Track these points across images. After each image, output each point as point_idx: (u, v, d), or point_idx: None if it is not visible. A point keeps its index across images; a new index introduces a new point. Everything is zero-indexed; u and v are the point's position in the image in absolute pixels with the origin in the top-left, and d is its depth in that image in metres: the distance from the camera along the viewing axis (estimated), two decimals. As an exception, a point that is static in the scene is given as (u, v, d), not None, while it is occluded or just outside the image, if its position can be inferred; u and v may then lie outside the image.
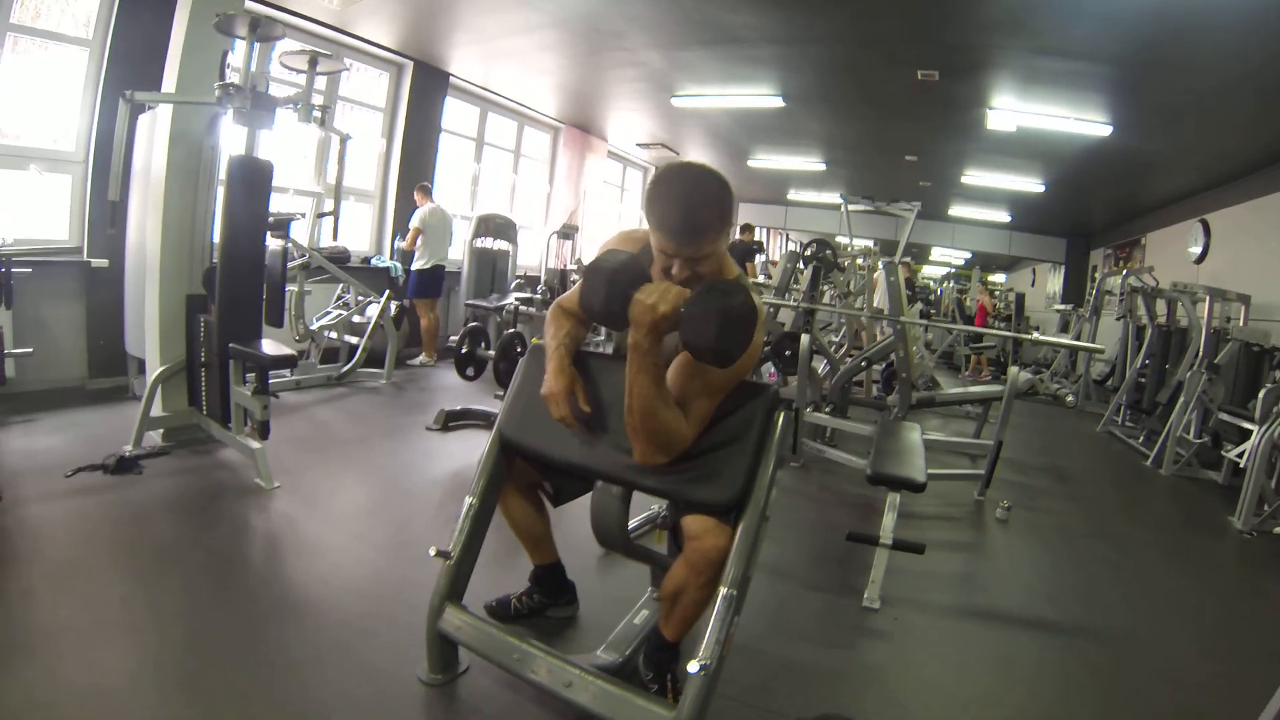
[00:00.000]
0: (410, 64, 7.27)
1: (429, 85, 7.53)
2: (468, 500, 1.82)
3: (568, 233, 9.60)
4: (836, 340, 7.12)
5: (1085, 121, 6.63)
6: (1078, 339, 10.83)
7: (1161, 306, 7.81)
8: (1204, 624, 3.20)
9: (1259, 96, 5.43)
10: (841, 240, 8.80)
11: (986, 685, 2.40)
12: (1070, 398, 9.31)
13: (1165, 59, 4.99)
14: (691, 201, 1.56)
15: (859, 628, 2.65)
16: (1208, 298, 6.43)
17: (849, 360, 5.67)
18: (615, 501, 1.79)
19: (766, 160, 10.88)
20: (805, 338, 4.45)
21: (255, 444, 3.36)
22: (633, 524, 2.20)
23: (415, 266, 6.60)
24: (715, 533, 1.65)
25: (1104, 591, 3.41)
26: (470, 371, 4.18)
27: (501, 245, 7.57)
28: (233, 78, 3.51)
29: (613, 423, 1.72)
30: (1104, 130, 6.72)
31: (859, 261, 7.77)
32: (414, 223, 6.57)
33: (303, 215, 5.58)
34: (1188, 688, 2.56)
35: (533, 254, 9.54)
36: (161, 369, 3.67)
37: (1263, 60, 4.72)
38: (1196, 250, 8.82)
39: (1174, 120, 6.37)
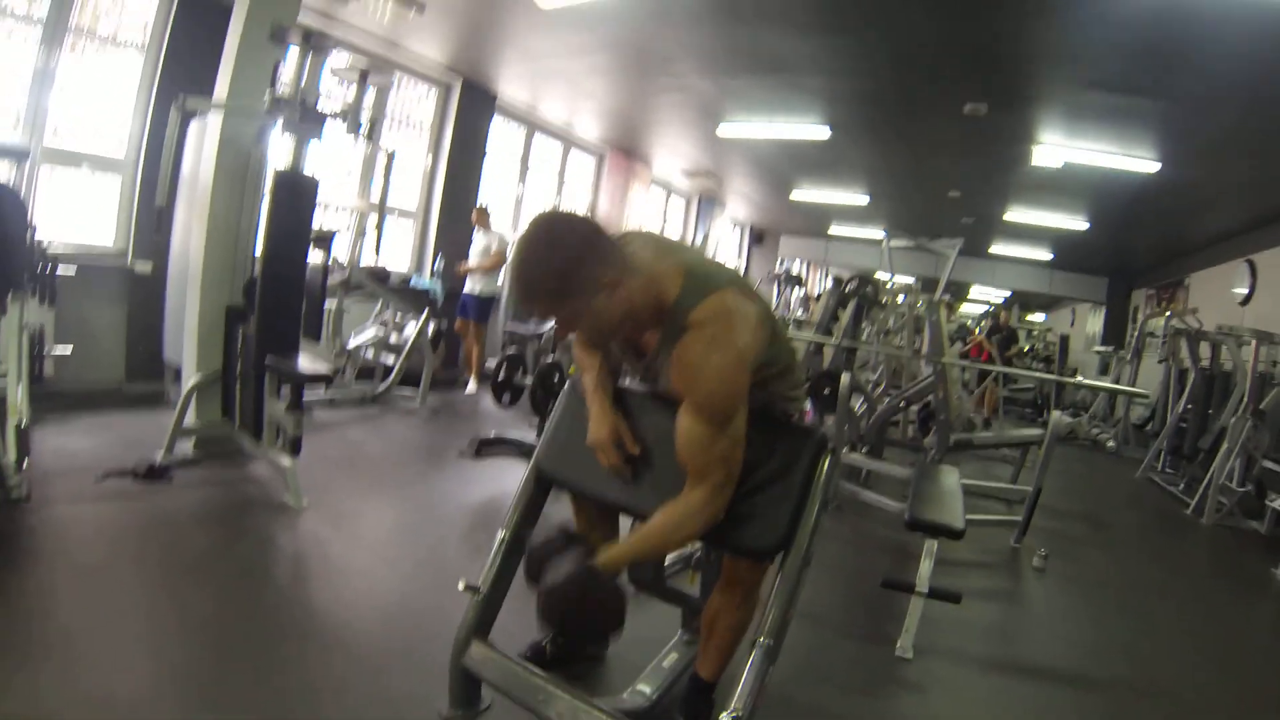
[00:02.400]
0: (459, 82, 7.30)
1: (477, 104, 7.54)
2: (500, 533, 1.77)
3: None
4: (873, 379, 7.03)
5: (1133, 157, 6.48)
6: (1118, 382, 10.65)
7: (1205, 349, 7.63)
8: (1247, 681, 3.10)
9: None
10: (882, 276, 8.70)
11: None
12: (1110, 443, 9.11)
13: (1216, 94, 4.88)
14: (524, 268, 1.45)
15: (891, 677, 2.58)
16: (1254, 340, 6.27)
17: (886, 400, 5.59)
18: None
19: (810, 193, 10.80)
20: (846, 376, 4.37)
21: (286, 461, 3.34)
22: (668, 560, 2.15)
23: (480, 290, 6.63)
24: None
25: (1144, 645, 3.31)
26: (507, 398, 4.15)
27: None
28: (283, 89, 3.55)
29: (652, 462, 1.67)
30: (1152, 166, 6.56)
31: (899, 299, 7.66)
32: (496, 246, 6.61)
33: (345, 230, 5.61)
34: None
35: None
36: (197, 378, 3.67)
37: None
38: (1242, 291, 8.62)
39: (1222, 157, 6.23)
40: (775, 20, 4.94)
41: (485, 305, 6.74)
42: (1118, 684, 2.84)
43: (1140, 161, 6.52)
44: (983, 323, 15.29)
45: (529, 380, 4.01)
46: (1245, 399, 6.12)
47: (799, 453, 1.59)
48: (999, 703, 2.59)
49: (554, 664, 2.14)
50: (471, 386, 6.80)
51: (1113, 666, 3.01)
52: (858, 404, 5.59)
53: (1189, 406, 7.44)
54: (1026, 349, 14.34)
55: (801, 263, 15.91)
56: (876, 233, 9.79)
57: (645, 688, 2.00)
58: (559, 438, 1.84)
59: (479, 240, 6.77)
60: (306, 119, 3.54)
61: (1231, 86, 4.69)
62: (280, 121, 3.52)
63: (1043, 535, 4.47)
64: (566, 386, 1.93)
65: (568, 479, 1.81)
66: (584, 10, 5.03)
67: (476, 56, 6.79)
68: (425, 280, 6.71)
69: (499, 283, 6.85)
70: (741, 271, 15.59)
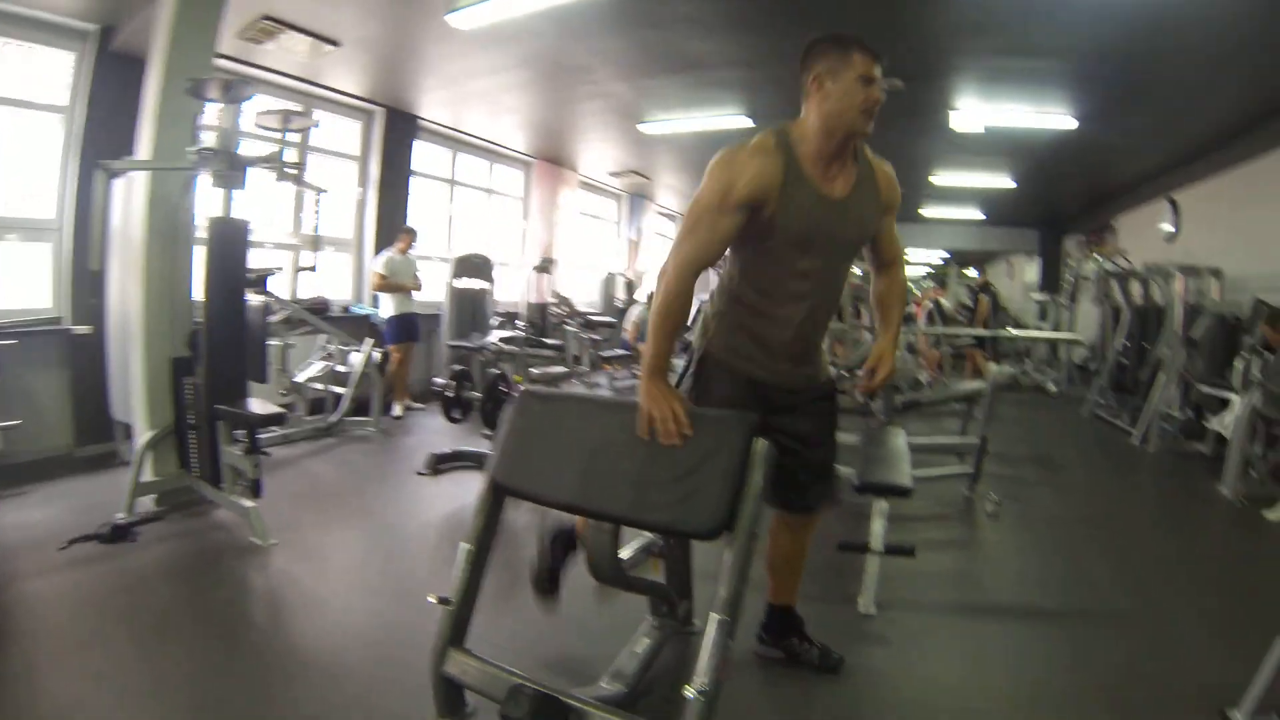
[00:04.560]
0: (381, 111, 7.34)
1: (400, 130, 7.58)
2: (464, 546, 1.85)
3: (545, 266, 9.66)
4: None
5: (1050, 115, 6.75)
6: (1057, 327, 10.98)
7: (1137, 287, 7.92)
8: (1199, 594, 3.28)
9: (1216, 77, 5.60)
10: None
11: (989, 679, 2.45)
12: (1052, 386, 9.41)
13: (1124, 50, 5.11)
14: None
15: (856, 634, 2.69)
16: (1180, 275, 6.55)
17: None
18: (606, 537, 1.84)
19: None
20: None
21: (248, 503, 3.38)
22: (628, 553, 2.24)
23: (396, 311, 6.57)
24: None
25: (1099, 573, 3.48)
26: (457, 414, 4.20)
27: (480, 284, 7.62)
28: (206, 140, 3.56)
29: (603, 464, 1.76)
30: (1070, 123, 6.85)
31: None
32: (403, 269, 6.57)
33: (280, 269, 5.60)
34: (1188, 657, 2.63)
35: (512, 290, 9.57)
36: (151, 433, 3.66)
37: (1220, 42, 4.88)
38: (1167, 229, 8.94)
39: (1136, 107, 6.50)
40: (685, 23, 5.08)
41: (403, 326, 6.63)
42: (1076, 614, 2.98)
43: (1058, 118, 6.79)
44: (924, 284, 15.55)
45: (478, 394, 4.07)
46: (1177, 330, 6.42)
47: (731, 433, 1.68)
48: (964, 645, 2.71)
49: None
50: (397, 409, 6.59)
51: (1071, 598, 3.16)
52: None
53: (1126, 343, 7.73)
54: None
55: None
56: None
57: (620, 673, 2.09)
58: (512, 449, 1.90)
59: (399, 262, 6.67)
60: (232, 167, 3.57)
61: (1131, 41, 4.92)
62: (206, 172, 3.53)
63: (996, 481, 4.63)
64: (516, 399, 2.00)
65: (524, 489, 1.88)
66: (498, 29, 5.09)
67: (396, 84, 6.84)
68: (364, 307, 6.71)
69: (413, 301, 6.74)
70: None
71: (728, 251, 1.98)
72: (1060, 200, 11.83)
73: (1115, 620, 2.93)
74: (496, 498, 1.89)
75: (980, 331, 5.90)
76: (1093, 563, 3.60)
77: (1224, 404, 5.38)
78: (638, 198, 12.75)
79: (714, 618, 1.54)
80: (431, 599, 1.81)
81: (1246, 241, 6.99)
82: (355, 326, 6.39)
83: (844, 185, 1.95)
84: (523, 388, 2.02)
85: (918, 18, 4.87)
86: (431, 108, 7.59)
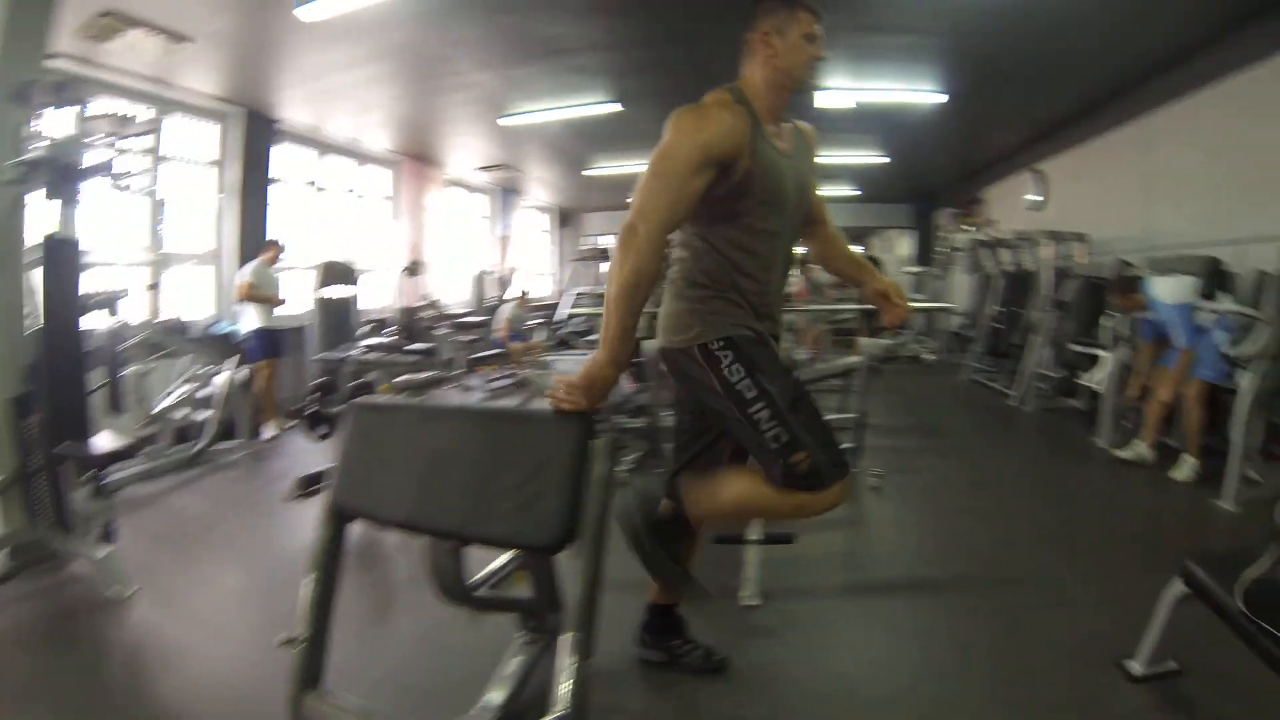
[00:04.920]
0: (240, 112, 6.97)
1: (260, 133, 7.23)
2: (307, 580, 1.74)
3: (414, 269, 9.44)
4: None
5: (921, 91, 6.95)
6: (933, 298, 11.39)
7: (1007, 255, 8.27)
8: (1085, 549, 3.40)
9: (1078, 53, 5.88)
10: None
11: (882, 661, 2.46)
12: (928, 355, 9.76)
13: (991, 28, 5.29)
14: None
15: (742, 627, 2.63)
16: (1048, 241, 6.87)
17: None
18: (448, 555, 1.75)
19: (609, 167, 10.96)
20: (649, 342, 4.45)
21: (102, 551, 3.12)
22: (490, 571, 2.17)
23: (260, 325, 6.19)
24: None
25: (986, 539, 3.56)
26: (324, 430, 4.03)
27: (346, 291, 7.36)
28: (35, 150, 3.24)
29: (440, 476, 1.66)
30: (939, 98, 7.05)
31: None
32: (249, 277, 6.19)
33: (127, 291, 5.23)
34: (1080, 614, 2.71)
35: (383, 296, 9.38)
36: (-9, 484, 3.35)
37: (1080, 21, 5.13)
38: (1034, 198, 9.23)
39: (1003, 82, 6.74)
40: (545, 7, 5.00)
41: (269, 340, 6.26)
42: (967, 582, 3.03)
43: (928, 95, 6.99)
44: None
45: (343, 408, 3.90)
46: (1047, 293, 6.77)
47: (566, 435, 1.59)
48: (853, 628, 2.71)
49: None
50: (267, 431, 6.16)
51: (959, 567, 3.21)
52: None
53: (999, 309, 8.09)
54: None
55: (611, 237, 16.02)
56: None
57: (494, 697, 2.01)
58: (354, 467, 1.79)
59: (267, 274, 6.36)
60: (65, 179, 3.29)
61: (1000, 17, 5.09)
62: (36, 186, 3.24)
63: (878, 455, 4.73)
64: (353, 414, 1.88)
65: (364, 509, 1.77)
66: (350, 21, 4.90)
67: (254, 83, 6.51)
68: (228, 324, 6.35)
69: (274, 314, 6.38)
70: (554, 254, 15.73)
71: (678, 232, 1.93)
72: (932, 175, 12.26)
73: (1005, 584, 3.00)
74: (338, 522, 1.78)
75: (853, 308, 6.07)
76: (978, 529, 3.69)
77: (1094, 361, 5.63)
78: (509, 192, 12.59)
79: (566, 637, 1.48)
80: (277, 642, 1.71)
81: (1108, 207, 7.39)
82: (218, 346, 5.94)
83: (788, 143, 1.98)
84: (359, 401, 1.90)
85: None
86: (292, 107, 7.26)
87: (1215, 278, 5.06)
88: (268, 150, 7.41)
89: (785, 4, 1.92)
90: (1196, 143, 5.97)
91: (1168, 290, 4.66)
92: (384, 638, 2.34)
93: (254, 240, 6.77)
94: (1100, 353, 5.53)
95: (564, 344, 10.02)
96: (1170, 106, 6.31)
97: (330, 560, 1.76)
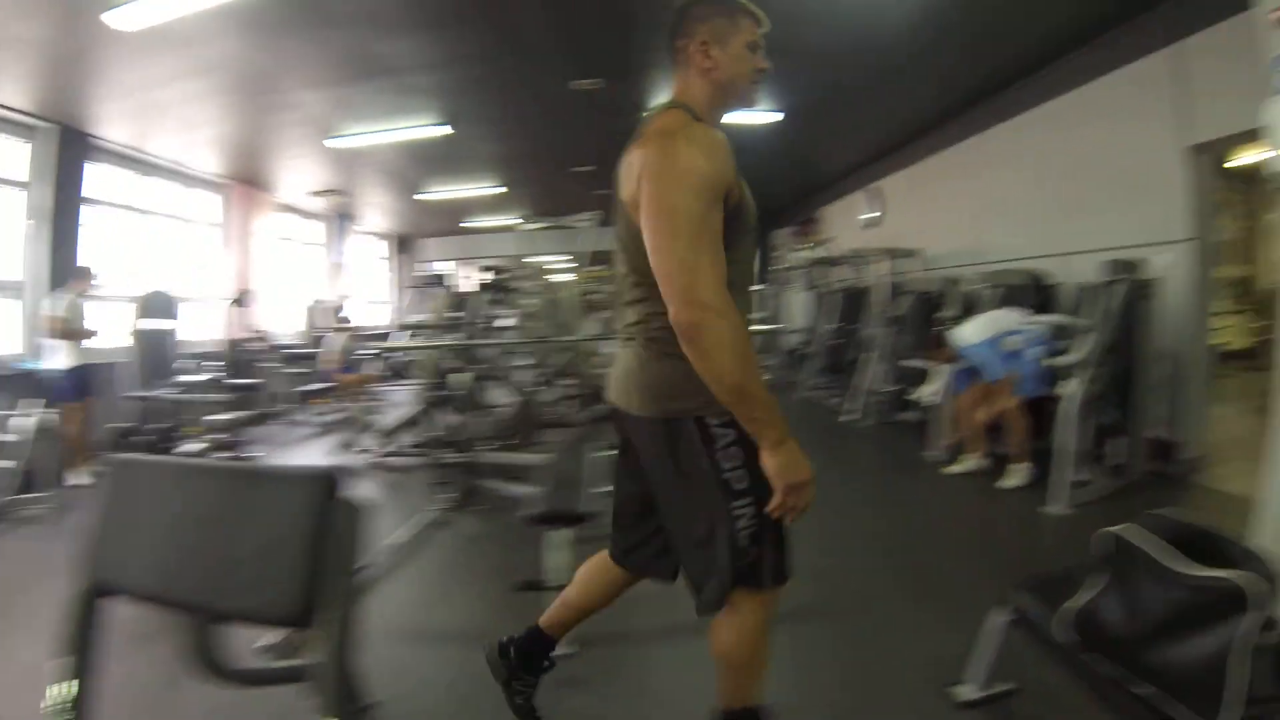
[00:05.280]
0: (53, 129, 6.43)
1: (75, 152, 6.69)
2: (57, 666, 1.41)
3: (241, 299, 8.99)
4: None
5: (757, 110, 7.01)
6: (769, 317, 11.83)
7: (843, 272, 8.66)
8: (920, 566, 3.46)
9: (911, 76, 6.23)
10: (533, 261, 8.82)
11: (706, 702, 2.11)
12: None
13: (825, 52, 5.53)
14: None
15: (557, 679, 2.28)
16: (883, 257, 7.26)
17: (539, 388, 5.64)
18: (203, 632, 1.55)
19: (442, 191, 10.86)
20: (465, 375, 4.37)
21: None
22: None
23: (68, 364, 5.61)
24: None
25: (817, 563, 3.38)
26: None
27: (165, 324, 6.91)
28: None
29: (190, 543, 1.44)
30: (775, 116, 7.16)
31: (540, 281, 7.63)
32: (60, 310, 5.64)
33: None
34: (916, 636, 2.73)
35: (210, 328, 8.83)
36: None
37: (912, 46, 5.46)
38: (870, 215, 9.71)
39: (839, 101, 6.98)
40: (369, 23, 4.89)
41: (80, 379, 5.72)
42: (797, 611, 2.80)
43: (763, 113, 7.13)
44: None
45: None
46: (881, 310, 7.06)
47: (303, 495, 1.38)
48: (674, 671, 2.56)
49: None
50: (78, 477, 5.58)
51: (795, 594, 2.80)
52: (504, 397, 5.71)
53: (835, 325, 8.42)
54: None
55: (455, 263, 15.73)
56: (518, 220, 10.26)
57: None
58: (115, 532, 1.50)
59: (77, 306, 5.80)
60: None
61: (836, 40, 5.35)
62: None
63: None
64: (109, 470, 1.58)
65: (123, 582, 1.48)
66: (166, 31, 4.63)
67: (67, 97, 6.01)
68: (31, 362, 5.81)
69: (86, 350, 5.84)
70: (393, 281, 15.31)
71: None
72: (770, 194, 12.75)
73: (837, 611, 2.97)
74: (90, 598, 1.49)
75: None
76: (810, 552, 3.31)
77: (924, 376, 5.84)
78: (343, 218, 12.16)
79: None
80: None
81: (942, 223, 7.82)
82: (24, 385, 5.44)
83: None
84: (115, 458, 1.60)
85: (611, 15, 4.90)
86: (110, 124, 6.74)
87: (1035, 291, 5.47)
88: (82, 170, 6.86)
89: (725, 10, 1.73)
90: (1023, 162, 6.39)
91: (972, 331, 4.86)
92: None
93: (65, 269, 6.22)
94: (930, 365, 5.66)
95: (397, 375, 9.76)
96: (998, 128, 6.73)
97: (84, 643, 1.46)
